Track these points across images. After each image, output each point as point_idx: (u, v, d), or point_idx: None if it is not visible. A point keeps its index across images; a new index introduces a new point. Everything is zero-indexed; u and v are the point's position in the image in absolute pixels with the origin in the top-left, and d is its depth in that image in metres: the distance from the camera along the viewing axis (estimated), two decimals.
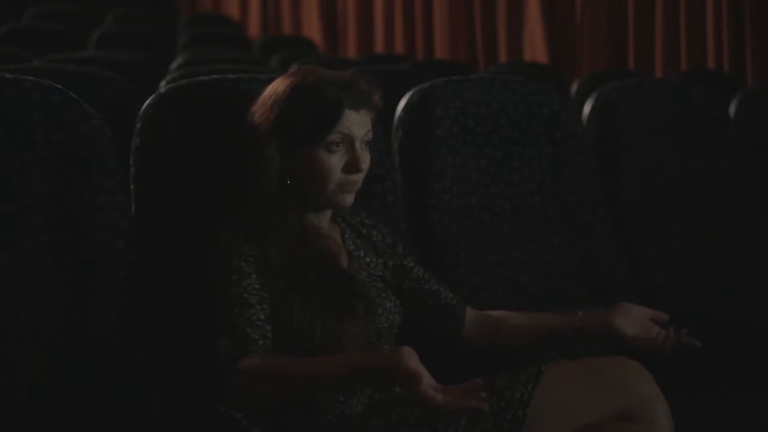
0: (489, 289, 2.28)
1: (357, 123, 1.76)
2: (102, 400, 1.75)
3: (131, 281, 1.79)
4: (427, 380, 1.51)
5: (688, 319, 2.30)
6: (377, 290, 1.83)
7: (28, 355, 1.71)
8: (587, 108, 2.74)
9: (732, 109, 3.29)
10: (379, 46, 7.21)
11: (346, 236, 1.89)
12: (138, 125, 1.90)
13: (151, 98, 1.93)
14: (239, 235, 1.73)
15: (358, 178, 1.78)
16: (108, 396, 1.76)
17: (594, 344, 1.93)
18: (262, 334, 1.66)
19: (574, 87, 4.53)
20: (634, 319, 1.86)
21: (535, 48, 5.99)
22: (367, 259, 1.88)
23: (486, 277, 2.30)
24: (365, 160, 1.78)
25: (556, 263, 2.39)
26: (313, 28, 7.77)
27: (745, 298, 2.65)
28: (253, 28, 8.36)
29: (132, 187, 1.88)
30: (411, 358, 1.52)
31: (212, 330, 1.67)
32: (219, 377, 1.64)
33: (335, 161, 1.75)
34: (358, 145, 1.76)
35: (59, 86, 1.81)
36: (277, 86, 1.78)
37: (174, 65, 4.30)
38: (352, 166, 1.76)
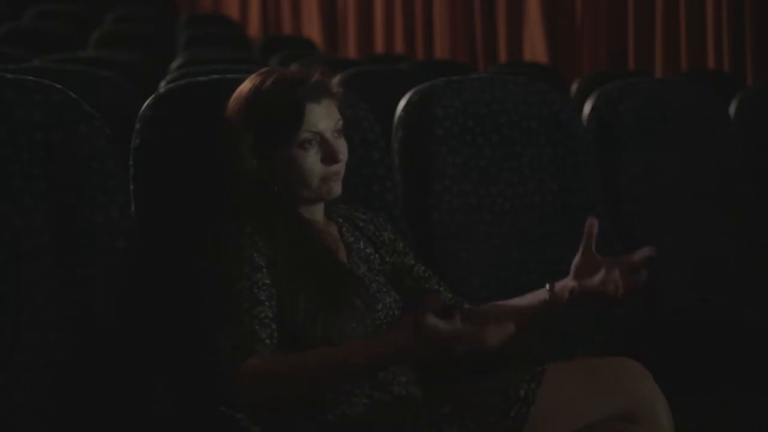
0: (489, 289, 2.28)
1: (323, 115, 1.77)
2: (102, 400, 1.75)
3: (131, 281, 1.79)
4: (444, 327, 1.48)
5: (689, 319, 2.31)
6: (378, 285, 1.83)
7: (28, 355, 1.71)
8: (587, 108, 2.74)
9: (732, 109, 3.29)
10: (379, 46, 7.20)
11: (344, 230, 1.89)
12: (138, 125, 1.90)
13: (151, 98, 1.93)
14: (248, 225, 1.73)
15: (339, 168, 1.79)
16: (108, 396, 1.76)
17: (592, 338, 1.92)
18: (269, 333, 1.66)
19: (574, 87, 4.53)
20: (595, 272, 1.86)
21: (535, 48, 5.99)
22: (367, 251, 1.88)
23: (486, 277, 2.29)
24: (342, 149, 1.79)
25: (556, 263, 2.38)
26: (313, 28, 7.77)
27: (745, 298, 2.64)
28: (253, 28, 8.36)
29: (132, 187, 1.88)
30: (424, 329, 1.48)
31: (216, 327, 1.66)
32: (222, 377, 1.63)
33: (312, 158, 1.76)
34: (329, 136, 1.77)
35: (59, 86, 1.81)
36: (241, 90, 1.79)
37: (174, 65, 4.30)
38: (330, 159, 1.77)
